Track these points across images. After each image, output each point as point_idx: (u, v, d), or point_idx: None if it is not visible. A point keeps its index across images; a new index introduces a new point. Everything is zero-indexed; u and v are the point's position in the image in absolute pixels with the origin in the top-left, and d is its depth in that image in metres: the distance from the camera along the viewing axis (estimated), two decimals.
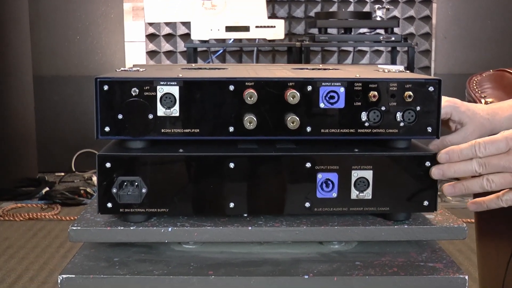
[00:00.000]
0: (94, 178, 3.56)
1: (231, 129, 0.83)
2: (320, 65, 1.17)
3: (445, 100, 1.06)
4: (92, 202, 0.95)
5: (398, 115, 0.84)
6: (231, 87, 0.82)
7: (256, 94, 0.81)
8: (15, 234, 2.67)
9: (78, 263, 0.82)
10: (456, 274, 0.80)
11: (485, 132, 1.08)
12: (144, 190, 0.82)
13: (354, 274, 0.80)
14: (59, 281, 0.79)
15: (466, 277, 0.79)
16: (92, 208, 0.90)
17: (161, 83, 0.81)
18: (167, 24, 3.71)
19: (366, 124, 0.84)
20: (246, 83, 0.82)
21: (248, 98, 0.81)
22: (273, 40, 3.25)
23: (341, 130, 0.84)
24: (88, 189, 3.23)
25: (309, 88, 0.83)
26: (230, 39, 3.19)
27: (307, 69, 1.08)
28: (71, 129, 3.80)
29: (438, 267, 0.82)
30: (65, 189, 3.22)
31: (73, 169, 3.78)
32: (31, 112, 3.69)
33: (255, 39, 3.18)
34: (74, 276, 0.79)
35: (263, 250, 0.87)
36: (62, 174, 3.72)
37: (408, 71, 1.14)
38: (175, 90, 0.82)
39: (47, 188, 3.27)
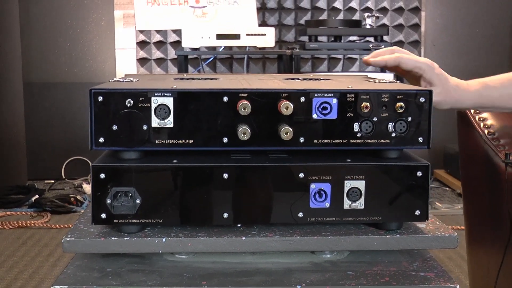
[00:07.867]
0: (84, 186, 3.54)
1: (225, 140, 0.83)
2: (311, 75, 1.18)
3: (425, 59, 1.13)
4: (84, 212, 0.95)
5: (390, 125, 0.85)
6: (225, 98, 0.82)
7: (250, 105, 0.82)
8: (4, 243, 2.65)
9: (71, 274, 0.82)
10: (447, 284, 0.81)
11: (450, 99, 1.14)
12: (138, 201, 0.82)
13: (346, 284, 0.80)
14: None
15: (457, 286, 0.80)
16: (85, 218, 0.90)
17: (155, 94, 0.82)
18: (157, 31, 3.71)
19: (359, 134, 0.85)
20: (240, 94, 0.82)
21: (242, 109, 0.82)
22: (264, 48, 3.26)
23: (333, 141, 0.85)
24: (78, 197, 3.21)
25: (302, 99, 0.84)
26: (221, 46, 3.20)
27: (299, 79, 1.09)
28: (61, 136, 3.78)
29: (430, 276, 0.83)
30: (55, 197, 3.20)
31: (63, 177, 3.76)
32: (21, 119, 3.68)
33: (246, 46, 3.19)
34: (67, 287, 0.79)
35: (255, 260, 0.87)
36: (52, 181, 3.70)
37: (398, 81, 1.15)
38: (169, 101, 0.82)
39: (36, 196, 3.25)
